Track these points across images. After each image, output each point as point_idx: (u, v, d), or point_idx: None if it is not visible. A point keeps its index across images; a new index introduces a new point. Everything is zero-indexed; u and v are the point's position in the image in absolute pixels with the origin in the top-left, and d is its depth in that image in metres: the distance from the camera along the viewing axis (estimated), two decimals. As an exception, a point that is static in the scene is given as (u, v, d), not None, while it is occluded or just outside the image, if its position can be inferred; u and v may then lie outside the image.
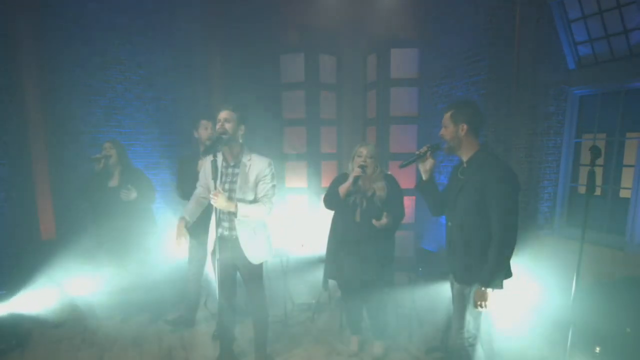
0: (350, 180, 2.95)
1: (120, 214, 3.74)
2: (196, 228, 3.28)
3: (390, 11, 5.48)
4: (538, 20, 4.37)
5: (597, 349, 3.28)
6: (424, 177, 2.54)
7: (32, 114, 4.55)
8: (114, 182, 3.81)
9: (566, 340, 2.32)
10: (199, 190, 2.99)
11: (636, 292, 3.38)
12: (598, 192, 4.39)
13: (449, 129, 2.36)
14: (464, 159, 2.40)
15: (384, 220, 2.90)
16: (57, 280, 4.68)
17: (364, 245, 3.02)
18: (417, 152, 2.50)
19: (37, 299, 4.42)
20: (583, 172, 4.59)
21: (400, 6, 5.44)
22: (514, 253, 2.26)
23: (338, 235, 3.14)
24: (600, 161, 4.19)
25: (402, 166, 2.60)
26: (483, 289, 2.25)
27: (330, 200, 3.11)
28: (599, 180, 4.34)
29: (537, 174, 4.63)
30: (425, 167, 2.50)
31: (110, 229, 3.80)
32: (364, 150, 3.01)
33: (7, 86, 4.45)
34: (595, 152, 2.24)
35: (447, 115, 2.37)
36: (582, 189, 4.62)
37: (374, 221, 2.92)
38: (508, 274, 2.38)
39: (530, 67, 4.46)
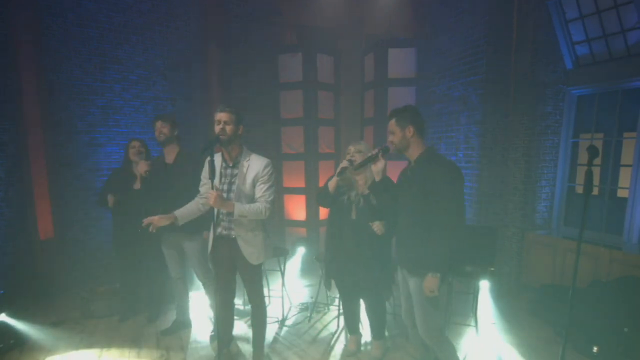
0: (335, 174, 2.98)
1: (143, 217, 3.69)
2: (167, 232, 3.36)
3: (388, 11, 5.48)
4: (536, 20, 4.38)
5: (595, 349, 3.29)
6: (376, 178, 2.66)
7: (30, 113, 4.53)
8: (137, 185, 3.75)
9: (563, 340, 2.32)
10: (200, 191, 2.99)
11: (634, 292, 3.39)
12: (596, 191, 4.40)
13: (397, 134, 2.48)
14: (413, 159, 2.52)
15: (377, 227, 2.94)
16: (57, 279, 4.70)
17: (361, 244, 3.02)
18: (370, 154, 2.66)
19: (36, 297, 4.42)
20: (581, 172, 4.61)
21: (397, 6, 5.44)
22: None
23: (335, 234, 3.14)
24: (597, 161, 4.20)
25: (356, 168, 2.83)
26: (432, 275, 2.34)
27: (321, 196, 3.15)
28: (596, 180, 4.35)
29: (535, 174, 4.64)
30: (377, 167, 2.62)
31: (130, 231, 3.75)
32: (351, 148, 3.04)
33: (5, 85, 4.45)
34: (592, 151, 2.24)
35: (392, 122, 2.50)
36: (579, 189, 4.64)
37: (372, 223, 2.96)
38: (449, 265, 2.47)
39: (528, 66, 4.46)
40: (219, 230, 2.85)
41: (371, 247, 3.02)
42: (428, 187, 2.36)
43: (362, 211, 3.02)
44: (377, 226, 2.94)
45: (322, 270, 4.03)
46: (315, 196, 3.23)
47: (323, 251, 4.02)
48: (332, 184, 3.03)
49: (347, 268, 3.09)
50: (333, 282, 3.33)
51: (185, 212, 2.90)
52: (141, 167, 3.52)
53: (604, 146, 4.33)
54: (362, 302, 3.41)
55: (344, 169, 2.93)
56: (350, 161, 2.95)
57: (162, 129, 3.38)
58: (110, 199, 3.78)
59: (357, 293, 3.28)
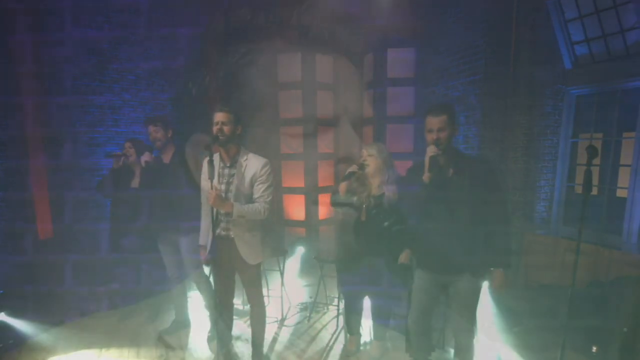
0: (343, 177, 3.00)
1: (141, 215, 3.69)
2: (164, 232, 3.40)
3: (387, 11, 5.48)
4: (535, 19, 4.37)
5: (594, 349, 3.29)
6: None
7: (29, 113, 4.53)
8: (135, 183, 3.79)
9: (562, 340, 2.32)
10: (203, 208, 2.99)
11: (633, 292, 3.39)
12: (595, 191, 4.40)
13: (447, 131, 2.31)
14: (447, 158, 2.40)
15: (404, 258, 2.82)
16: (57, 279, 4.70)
17: (370, 245, 2.99)
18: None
19: (35, 297, 4.42)
20: (580, 172, 4.60)
21: (397, 6, 5.44)
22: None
23: (345, 234, 3.14)
24: (597, 161, 4.20)
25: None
26: (503, 271, 2.36)
27: (333, 197, 3.15)
28: (595, 180, 4.35)
29: (534, 174, 4.64)
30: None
31: (128, 229, 3.82)
32: (364, 151, 3.03)
33: (4, 85, 4.44)
34: (592, 151, 2.24)
35: (443, 118, 2.30)
36: (579, 189, 4.63)
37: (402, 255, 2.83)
38: None
39: (527, 66, 4.46)
40: (217, 230, 2.85)
41: (380, 248, 3.00)
42: (485, 185, 2.32)
43: (372, 213, 3.00)
44: (404, 257, 2.79)
45: (321, 270, 4.03)
46: (329, 197, 3.22)
47: (323, 250, 4.02)
48: (342, 189, 3.02)
49: (355, 267, 3.08)
50: (335, 281, 3.33)
51: (205, 234, 2.98)
52: (145, 155, 3.63)
53: (603, 146, 4.32)
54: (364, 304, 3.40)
55: (351, 173, 2.93)
56: (362, 164, 2.95)
57: (155, 134, 3.41)
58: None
59: (363, 293, 3.28)
